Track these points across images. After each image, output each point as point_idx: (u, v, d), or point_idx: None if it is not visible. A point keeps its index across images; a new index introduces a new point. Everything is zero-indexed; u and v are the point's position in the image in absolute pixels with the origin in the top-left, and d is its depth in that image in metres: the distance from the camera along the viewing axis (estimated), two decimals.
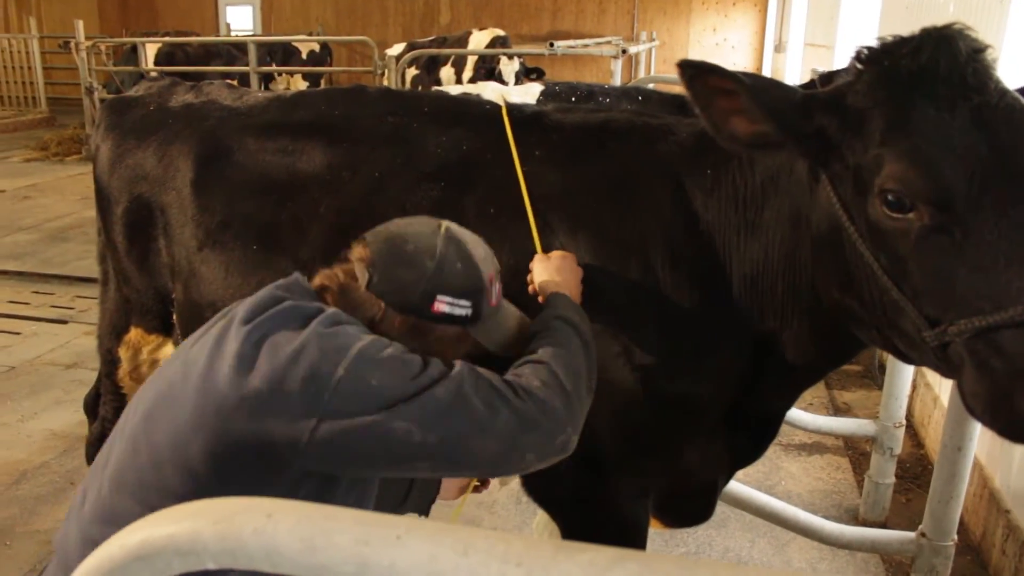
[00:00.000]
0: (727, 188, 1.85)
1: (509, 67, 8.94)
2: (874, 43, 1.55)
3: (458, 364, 1.46)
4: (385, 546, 0.78)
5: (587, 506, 2.01)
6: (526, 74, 9.04)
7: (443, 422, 1.38)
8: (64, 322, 5.67)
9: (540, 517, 2.53)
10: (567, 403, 1.50)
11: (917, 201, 1.42)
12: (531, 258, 1.87)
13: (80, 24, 10.49)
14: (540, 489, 2.06)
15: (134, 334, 2.65)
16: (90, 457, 2.98)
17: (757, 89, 1.53)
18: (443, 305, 1.52)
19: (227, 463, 1.38)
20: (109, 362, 2.77)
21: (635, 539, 2.03)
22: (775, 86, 1.59)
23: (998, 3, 3.72)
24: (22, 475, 3.80)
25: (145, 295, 2.50)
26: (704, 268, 1.86)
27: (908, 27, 1.57)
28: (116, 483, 1.49)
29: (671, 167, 1.91)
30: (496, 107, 2.15)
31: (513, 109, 2.16)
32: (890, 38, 1.54)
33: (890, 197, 1.44)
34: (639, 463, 1.99)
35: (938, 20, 1.54)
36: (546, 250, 1.88)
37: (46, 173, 10.71)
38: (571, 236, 1.89)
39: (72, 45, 10.44)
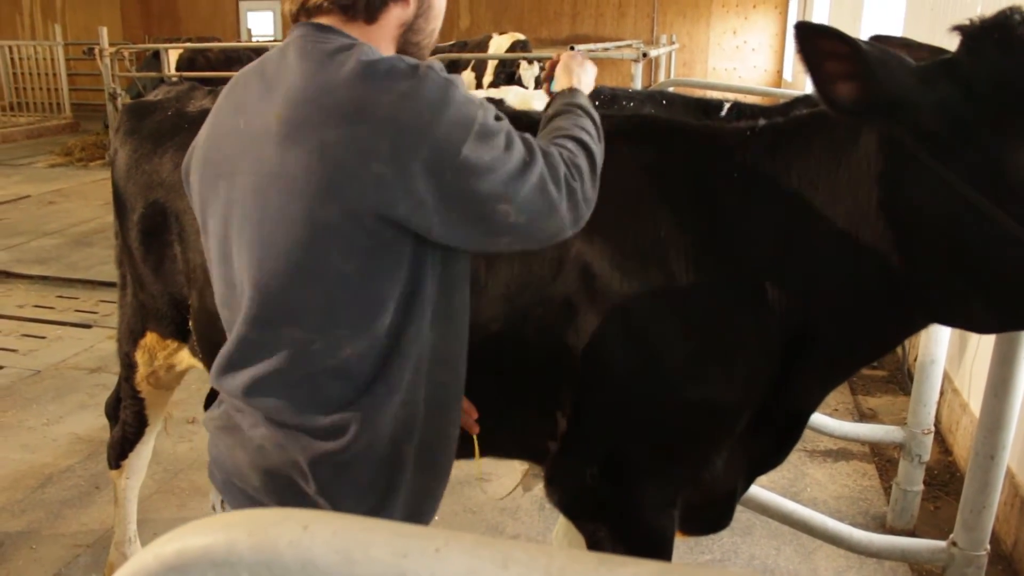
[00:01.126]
0: (759, 190, 1.83)
1: (529, 72, 8.96)
2: (969, 21, 1.60)
3: (534, 144, 1.46)
4: (424, 558, 0.77)
5: (613, 516, 1.99)
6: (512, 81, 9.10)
7: (532, 207, 1.41)
8: (88, 326, 5.72)
9: (560, 525, 2.51)
10: (594, 187, 1.55)
11: None
12: (543, 268, 1.85)
13: (104, 31, 10.58)
14: (564, 498, 2.03)
15: (150, 339, 2.65)
16: (111, 460, 2.99)
17: (875, 56, 1.54)
18: None
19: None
20: (127, 366, 2.78)
21: (662, 550, 2.00)
22: (892, 55, 1.59)
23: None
24: (47, 479, 3.83)
25: (160, 301, 2.50)
26: (732, 274, 1.84)
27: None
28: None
29: (692, 169, 1.89)
30: (508, 112, 2.14)
31: (522, 117, 2.15)
32: (977, 17, 1.59)
33: None
34: (667, 472, 1.97)
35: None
36: (548, 257, 1.86)
37: (70, 178, 10.83)
38: (587, 242, 1.85)
39: (96, 51, 10.53)
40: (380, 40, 1.49)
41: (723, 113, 3.38)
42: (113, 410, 3.02)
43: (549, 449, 2.02)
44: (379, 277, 1.41)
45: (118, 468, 2.97)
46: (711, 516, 2.19)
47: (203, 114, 2.41)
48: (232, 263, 1.50)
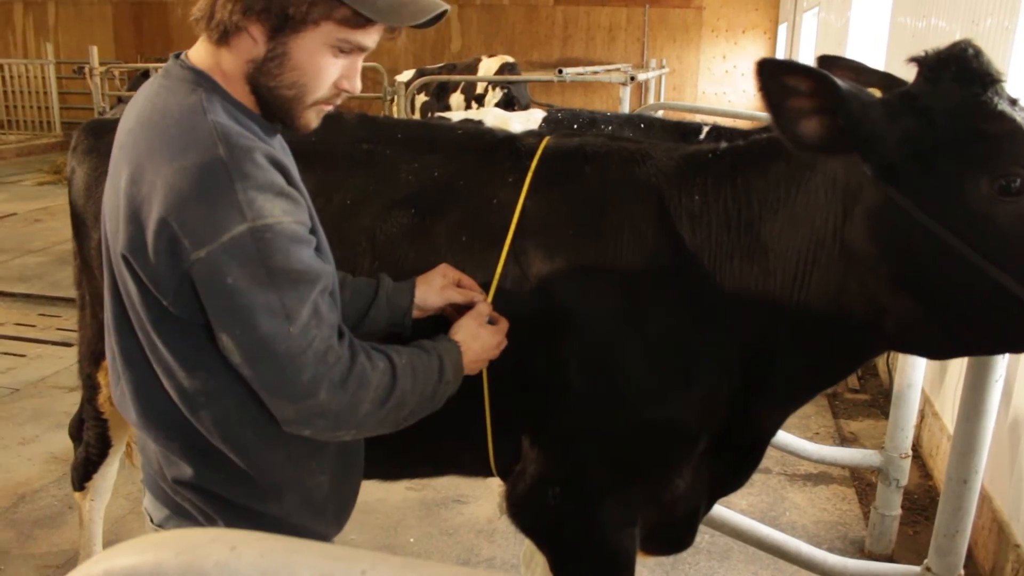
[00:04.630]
0: (719, 212, 1.83)
1: (491, 96, 9.14)
2: (925, 53, 1.63)
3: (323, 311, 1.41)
4: None
5: (573, 535, 1.98)
6: (506, 103, 9.25)
7: (262, 364, 1.39)
8: (69, 344, 5.67)
9: (527, 546, 2.50)
10: (372, 413, 1.47)
11: None
12: (504, 289, 1.84)
13: (94, 50, 10.61)
14: (525, 516, 2.03)
15: None
16: (75, 482, 2.95)
17: (847, 91, 1.55)
18: None
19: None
20: (90, 387, 2.73)
21: (622, 569, 1.99)
22: (859, 88, 1.61)
23: (1003, 31, 3.71)
24: (20, 498, 3.79)
25: None
26: (692, 294, 1.84)
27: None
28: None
29: (652, 191, 1.89)
30: (467, 132, 2.14)
31: (485, 134, 2.14)
32: (933, 49, 1.62)
33: (1008, 181, 1.53)
34: (627, 491, 1.96)
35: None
36: (510, 278, 1.85)
37: (58, 196, 10.79)
38: (548, 262, 1.85)
39: (86, 70, 10.56)
40: (231, 71, 1.45)
41: (701, 136, 3.41)
42: (77, 431, 2.98)
43: (513, 468, 2.01)
44: (170, 332, 1.47)
45: (82, 490, 2.93)
46: (673, 536, 2.19)
47: None
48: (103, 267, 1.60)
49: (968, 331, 1.68)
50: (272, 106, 1.47)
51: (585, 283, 1.84)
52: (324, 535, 1.64)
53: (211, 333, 1.41)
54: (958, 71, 1.57)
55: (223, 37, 1.42)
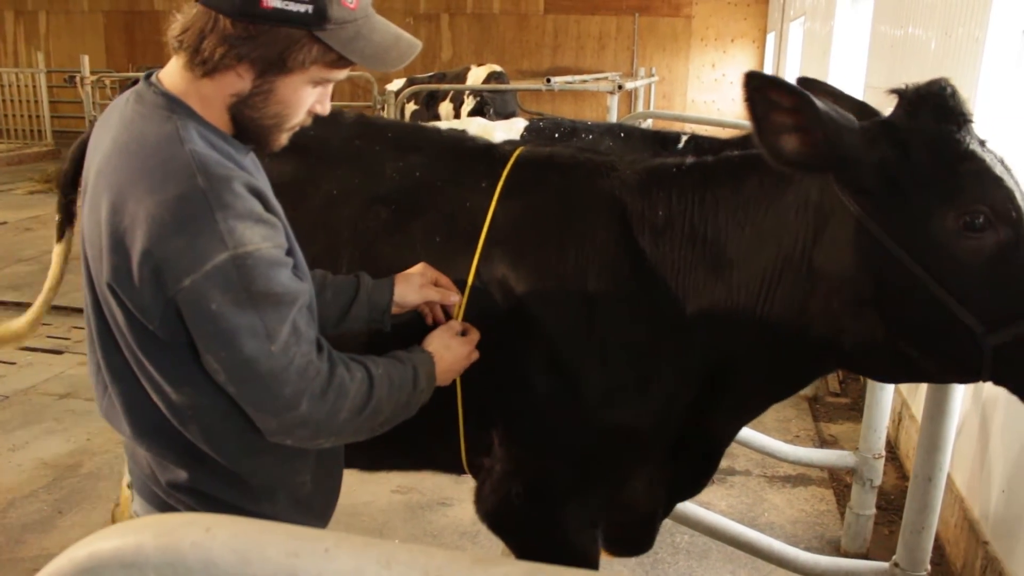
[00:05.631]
0: (683, 226, 1.88)
1: (467, 104, 9.29)
2: (905, 86, 1.70)
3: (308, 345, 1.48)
4: (314, 558, 0.83)
5: (535, 533, 2.05)
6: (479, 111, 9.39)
7: (246, 384, 1.45)
8: (60, 352, 5.72)
9: (504, 547, 2.56)
10: (350, 420, 1.53)
11: (999, 220, 1.61)
12: (475, 292, 1.90)
13: (86, 59, 10.71)
14: (490, 513, 2.09)
15: None
16: None
17: (826, 113, 1.61)
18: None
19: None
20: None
21: (585, 567, 2.05)
22: (839, 112, 1.67)
23: (974, 42, 3.81)
24: (10, 504, 3.83)
25: None
26: (652, 305, 1.89)
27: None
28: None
29: (616, 203, 1.94)
30: (451, 136, 2.22)
31: (467, 139, 2.22)
32: (913, 84, 1.69)
33: (973, 218, 1.60)
34: (587, 492, 2.02)
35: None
36: (480, 281, 1.92)
37: (49, 205, 10.80)
38: (513, 268, 1.91)
39: (77, 79, 10.62)
40: (212, 100, 1.47)
41: (680, 145, 3.48)
42: None
43: (485, 466, 2.08)
44: (156, 352, 1.49)
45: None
46: (632, 537, 2.26)
47: None
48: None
49: (923, 359, 1.73)
50: (250, 132, 1.51)
51: (547, 290, 1.90)
52: None
53: (195, 351, 1.45)
54: (936, 107, 1.64)
55: (208, 72, 1.44)
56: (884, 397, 3.50)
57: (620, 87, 8.15)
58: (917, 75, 1.79)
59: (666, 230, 1.89)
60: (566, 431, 1.93)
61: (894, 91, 1.70)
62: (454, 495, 3.95)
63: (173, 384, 1.49)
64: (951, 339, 1.65)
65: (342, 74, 1.51)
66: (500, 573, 0.81)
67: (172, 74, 1.49)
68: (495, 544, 3.59)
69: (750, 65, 17.08)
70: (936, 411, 2.50)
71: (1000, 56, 3.66)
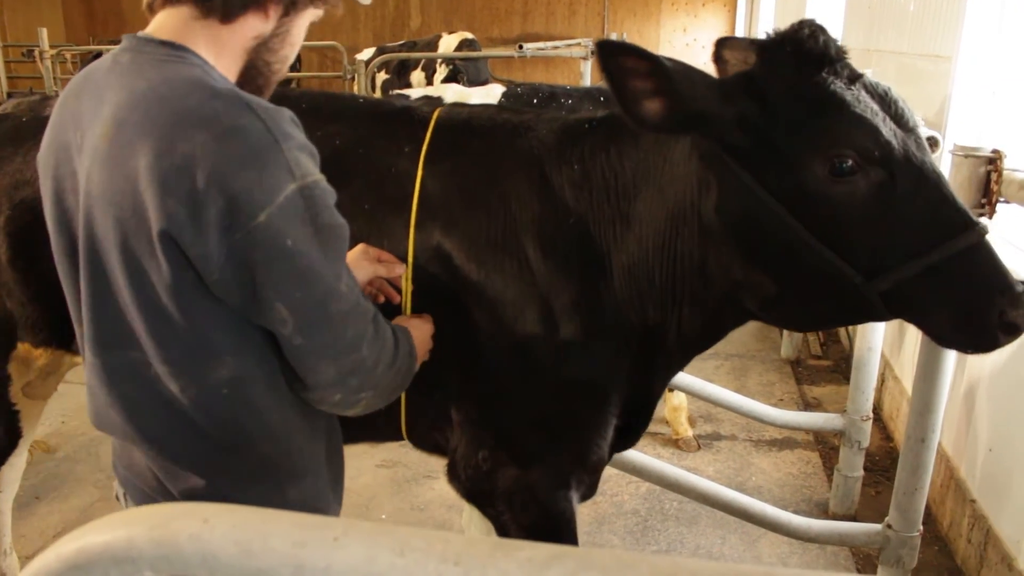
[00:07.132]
0: (597, 180, 1.88)
1: (439, 72, 9.18)
2: (767, 32, 1.68)
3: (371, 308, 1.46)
4: (322, 548, 0.78)
5: (509, 500, 2.02)
6: (452, 78, 9.29)
7: (315, 326, 1.37)
8: None
9: (466, 511, 2.53)
10: (384, 373, 1.50)
11: (866, 162, 1.58)
12: (415, 262, 1.88)
13: (44, 32, 10.34)
14: (463, 483, 2.06)
15: (21, 350, 2.51)
16: None
17: (678, 73, 1.59)
18: None
19: None
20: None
21: (563, 532, 2.03)
22: (693, 70, 1.65)
23: (955, 1, 3.77)
24: None
25: (31, 308, 2.36)
26: (581, 259, 1.88)
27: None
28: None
29: (536, 162, 1.92)
30: (368, 102, 2.16)
31: (384, 103, 2.15)
32: (776, 29, 1.67)
33: (839, 162, 1.58)
34: (552, 455, 2.01)
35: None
36: (417, 251, 1.89)
37: None
38: (446, 235, 1.88)
39: (36, 54, 10.29)
40: (230, 47, 1.42)
41: None
42: None
43: (451, 444, 2.05)
44: (202, 316, 1.37)
45: None
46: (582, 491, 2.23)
47: None
48: (75, 281, 1.48)
49: (818, 306, 1.74)
50: (259, 79, 1.48)
51: (481, 253, 1.87)
52: (336, 514, 1.66)
53: (238, 317, 1.37)
54: (794, 52, 1.62)
55: (228, 17, 1.39)
56: (871, 359, 3.50)
57: (593, 52, 8.08)
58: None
59: (583, 185, 1.89)
60: (520, 393, 1.92)
61: (753, 42, 1.69)
62: (439, 468, 3.90)
63: (215, 356, 1.39)
64: (834, 289, 1.66)
65: (324, 9, 1.53)
66: (523, 558, 0.76)
67: (168, 27, 1.40)
68: (481, 516, 3.57)
69: (722, 30, 17.00)
70: (929, 372, 2.48)
71: (981, 15, 3.63)
